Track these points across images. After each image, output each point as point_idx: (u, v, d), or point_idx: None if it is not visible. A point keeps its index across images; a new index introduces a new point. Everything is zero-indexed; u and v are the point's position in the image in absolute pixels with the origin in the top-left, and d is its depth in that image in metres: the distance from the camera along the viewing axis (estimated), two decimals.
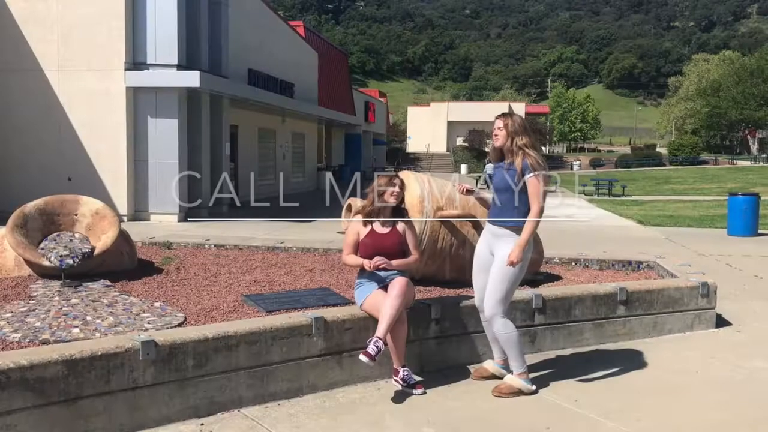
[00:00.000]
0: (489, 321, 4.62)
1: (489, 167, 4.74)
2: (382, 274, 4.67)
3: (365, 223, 4.83)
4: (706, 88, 74.01)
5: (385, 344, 4.40)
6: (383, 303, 4.44)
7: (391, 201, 4.75)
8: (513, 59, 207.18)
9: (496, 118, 4.64)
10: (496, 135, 4.58)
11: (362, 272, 4.76)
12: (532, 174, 4.44)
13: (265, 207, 17.84)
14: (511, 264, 4.42)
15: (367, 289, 4.68)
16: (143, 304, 5.21)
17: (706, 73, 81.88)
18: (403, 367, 4.56)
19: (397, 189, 4.76)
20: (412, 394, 4.50)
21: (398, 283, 4.49)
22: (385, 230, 4.79)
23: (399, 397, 4.46)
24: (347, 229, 5.00)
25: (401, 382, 4.54)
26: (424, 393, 4.52)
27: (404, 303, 4.48)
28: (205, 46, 16.18)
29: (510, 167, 4.52)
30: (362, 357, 4.25)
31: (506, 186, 4.53)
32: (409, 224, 4.93)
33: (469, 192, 4.91)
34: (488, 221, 4.73)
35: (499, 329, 4.53)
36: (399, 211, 4.85)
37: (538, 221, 4.48)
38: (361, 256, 4.70)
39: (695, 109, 75.74)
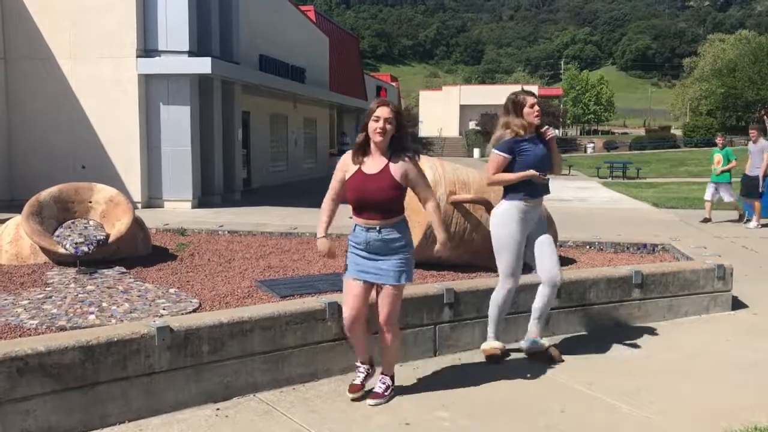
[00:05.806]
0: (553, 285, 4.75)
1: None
2: (366, 261, 3.98)
3: (354, 160, 3.94)
4: (721, 68, 72.91)
5: (393, 382, 4.22)
6: (381, 338, 4.11)
7: (377, 138, 3.83)
8: (525, 41, 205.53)
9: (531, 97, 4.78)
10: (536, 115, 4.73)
11: (352, 236, 4.03)
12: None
13: (278, 192, 17.85)
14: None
15: (348, 268, 4.10)
16: (158, 290, 5.24)
17: (721, 54, 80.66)
18: (388, 375, 4.21)
19: (381, 125, 3.79)
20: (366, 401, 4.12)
21: (387, 305, 4.00)
22: (374, 170, 3.86)
23: (412, 381, 4.46)
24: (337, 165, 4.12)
25: (378, 384, 4.18)
26: (378, 405, 4.09)
27: (395, 316, 4.09)
28: (216, 33, 16.15)
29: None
30: (371, 401, 4.05)
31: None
32: (412, 163, 3.89)
33: None
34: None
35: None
36: (400, 148, 3.89)
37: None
38: (348, 200, 3.92)
39: (710, 90, 74.71)
